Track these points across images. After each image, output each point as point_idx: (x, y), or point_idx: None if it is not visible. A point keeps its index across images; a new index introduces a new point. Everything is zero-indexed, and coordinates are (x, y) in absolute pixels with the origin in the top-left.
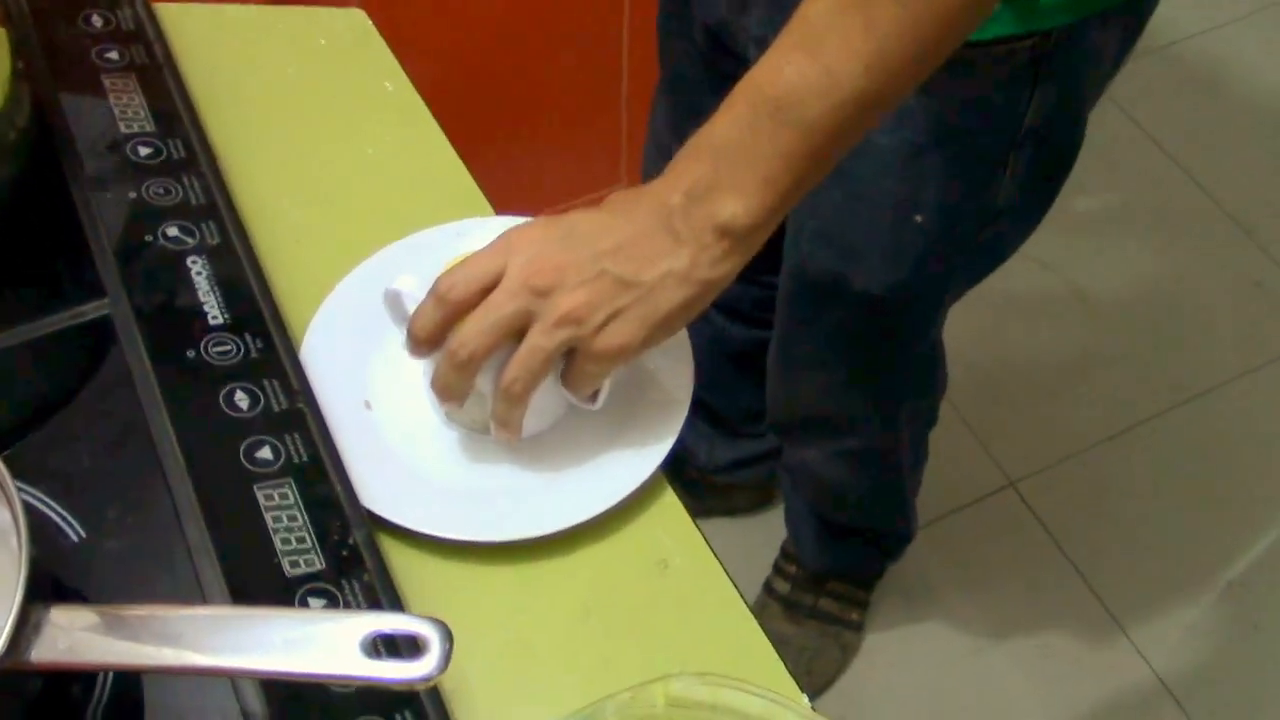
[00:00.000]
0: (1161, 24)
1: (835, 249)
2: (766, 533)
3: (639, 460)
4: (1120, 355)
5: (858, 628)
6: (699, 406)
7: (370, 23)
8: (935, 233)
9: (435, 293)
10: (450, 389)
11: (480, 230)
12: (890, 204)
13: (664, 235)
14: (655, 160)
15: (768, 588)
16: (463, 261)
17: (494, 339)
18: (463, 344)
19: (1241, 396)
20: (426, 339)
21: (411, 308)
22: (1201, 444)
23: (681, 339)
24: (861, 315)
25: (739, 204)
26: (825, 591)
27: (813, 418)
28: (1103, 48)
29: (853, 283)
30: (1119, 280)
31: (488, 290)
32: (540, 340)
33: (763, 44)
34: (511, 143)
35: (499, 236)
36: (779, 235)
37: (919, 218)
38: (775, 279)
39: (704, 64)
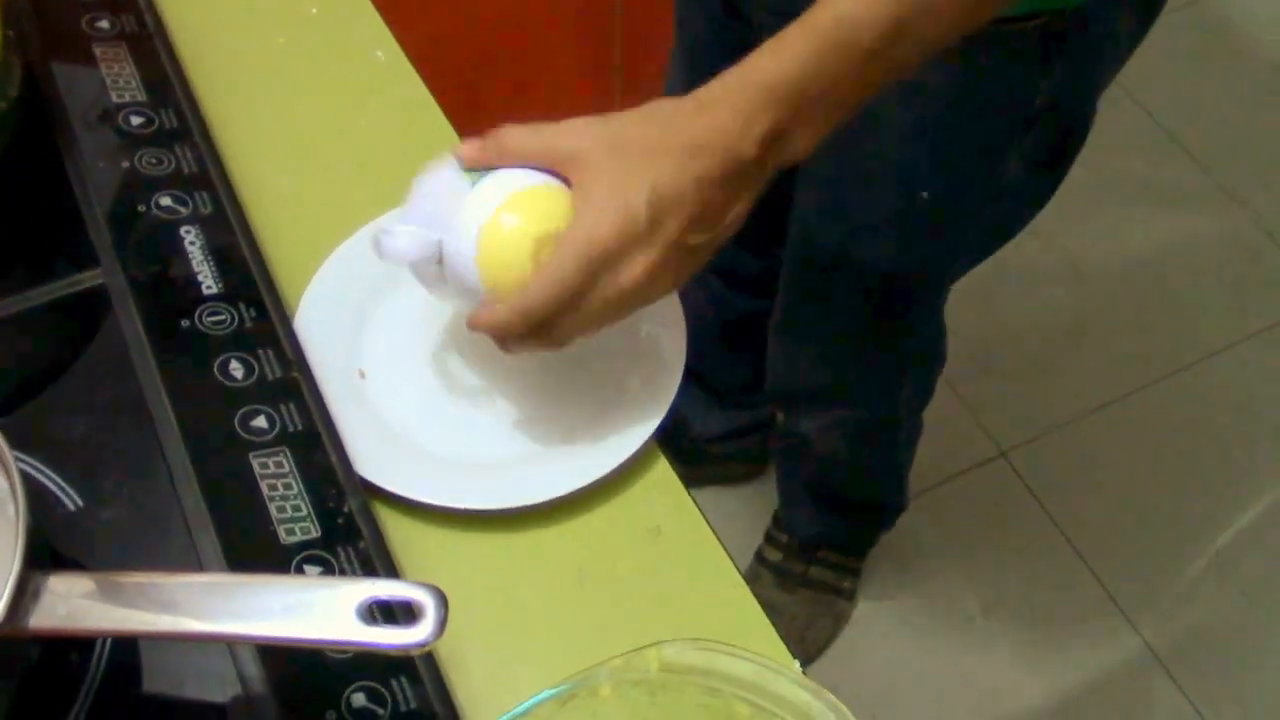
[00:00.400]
0: None
1: (842, 224)
2: (759, 502)
3: (633, 429)
4: (1111, 326)
5: (849, 596)
6: (692, 377)
7: None
8: (941, 210)
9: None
10: (518, 351)
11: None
12: (896, 179)
13: (736, 188)
14: None
15: (760, 556)
16: (553, 271)
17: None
18: (565, 336)
19: (1232, 367)
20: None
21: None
22: (1192, 414)
23: (675, 309)
24: (866, 290)
25: (808, 140)
26: (817, 560)
27: (813, 389)
28: (1118, 28)
29: (858, 258)
30: (1110, 251)
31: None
32: (605, 311)
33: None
34: (504, 110)
35: (581, 195)
36: (784, 208)
37: (925, 194)
38: (778, 250)
39: (721, 31)
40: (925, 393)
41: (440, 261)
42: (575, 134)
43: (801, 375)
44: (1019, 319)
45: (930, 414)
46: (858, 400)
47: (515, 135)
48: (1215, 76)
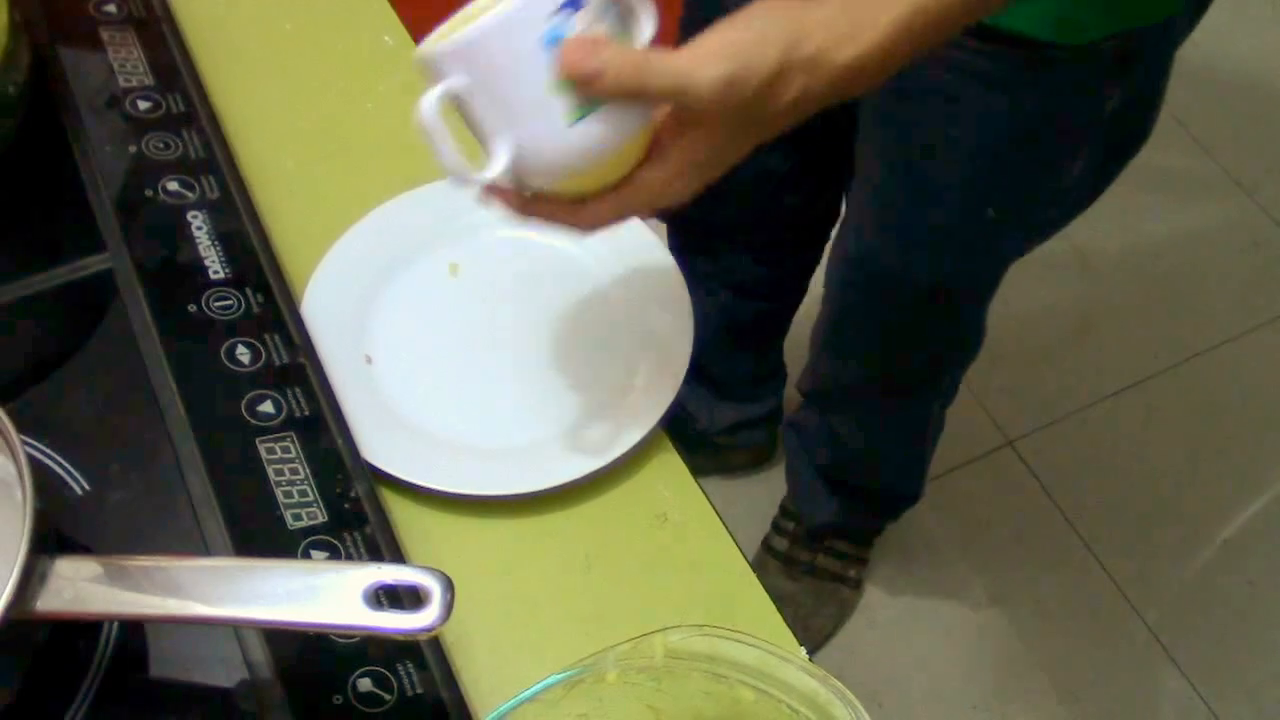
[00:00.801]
0: None
1: (901, 242)
2: (765, 491)
3: (640, 417)
4: (1119, 315)
5: (856, 584)
6: (700, 372)
7: None
8: (1007, 223)
9: None
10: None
11: None
12: (961, 199)
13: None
14: None
15: (766, 545)
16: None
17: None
18: (596, 223)
19: (1239, 356)
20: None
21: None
22: (1200, 403)
23: (683, 299)
24: (919, 300)
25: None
26: (824, 548)
27: (855, 390)
28: (1182, 29)
29: (915, 272)
30: (1118, 240)
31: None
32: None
33: None
34: None
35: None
36: (796, 219)
37: (991, 211)
38: (782, 257)
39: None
40: (955, 386)
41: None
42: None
43: (845, 379)
44: (1027, 308)
45: None
46: (899, 397)
47: None
48: (1226, 66)
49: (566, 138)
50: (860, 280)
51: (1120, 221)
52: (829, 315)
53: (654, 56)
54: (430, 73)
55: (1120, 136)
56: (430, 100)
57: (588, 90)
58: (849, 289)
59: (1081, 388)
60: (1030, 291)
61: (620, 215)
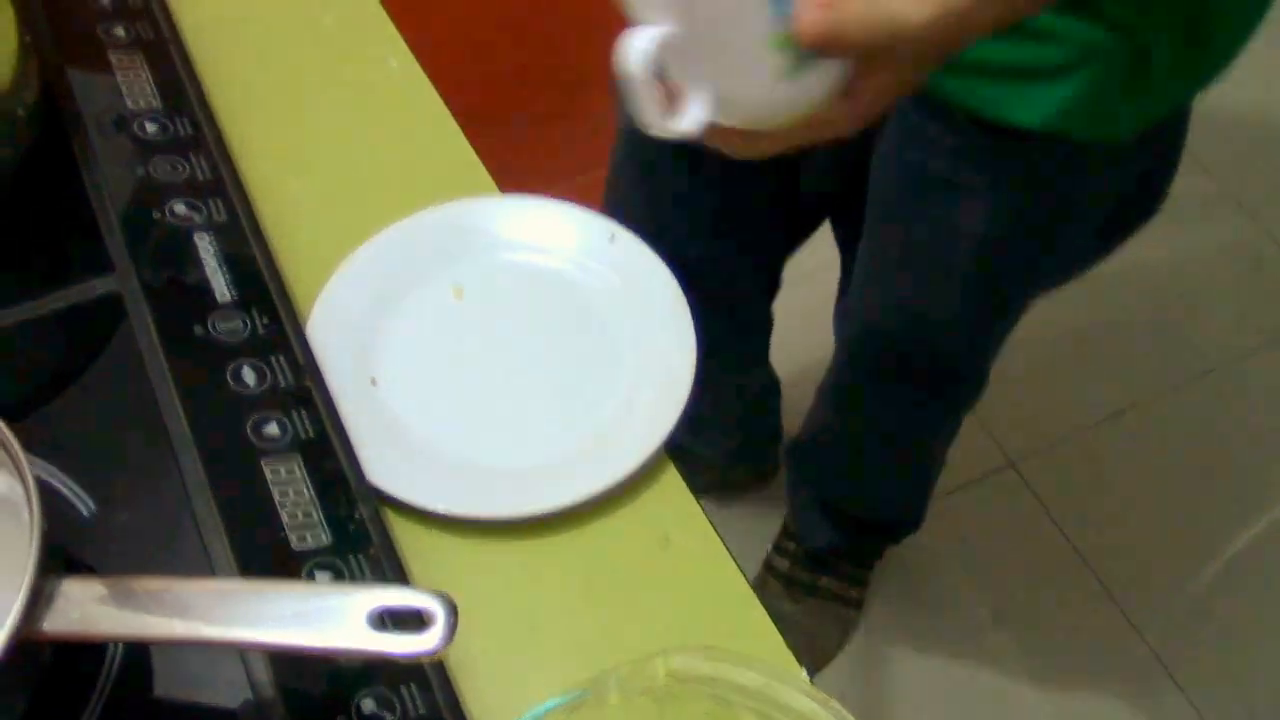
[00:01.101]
0: None
1: (916, 322)
2: (767, 509)
3: (643, 439)
4: (1120, 335)
5: (857, 605)
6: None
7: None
8: (1016, 299)
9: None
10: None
11: (484, 209)
12: (978, 284)
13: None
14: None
15: (768, 565)
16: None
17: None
18: (766, 152)
19: (1241, 376)
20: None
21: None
22: (1201, 423)
23: (685, 323)
24: (930, 365)
25: None
26: (826, 569)
27: (864, 435)
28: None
29: (929, 345)
30: (1119, 259)
31: None
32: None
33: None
34: (516, 120)
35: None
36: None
37: (1002, 291)
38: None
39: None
40: (958, 426)
41: None
42: None
43: (848, 430)
44: (1028, 329)
45: None
46: (908, 442)
47: None
48: (1228, 87)
49: (775, 92)
50: (869, 353)
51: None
52: (834, 376)
53: (875, 6)
54: (641, 14)
55: (1139, 201)
56: (640, 46)
57: (824, 50)
58: (857, 359)
59: (1084, 408)
60: (1032, 312)
61: (791, 147)
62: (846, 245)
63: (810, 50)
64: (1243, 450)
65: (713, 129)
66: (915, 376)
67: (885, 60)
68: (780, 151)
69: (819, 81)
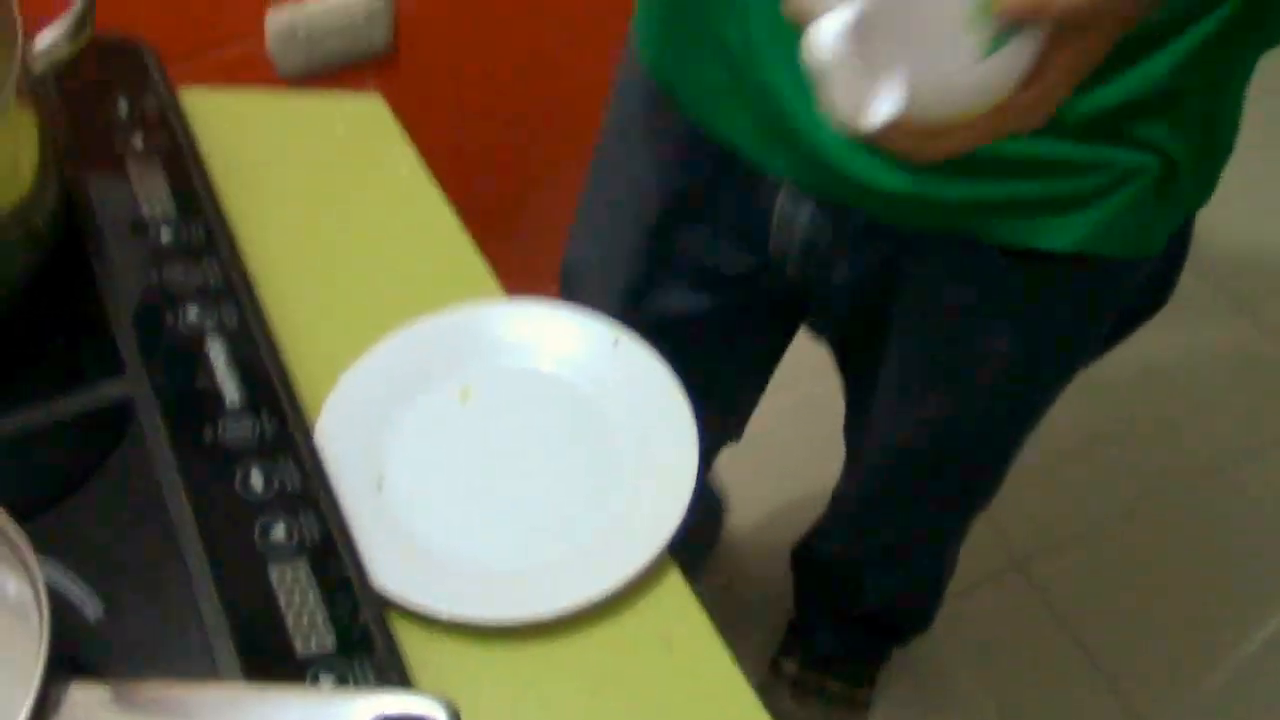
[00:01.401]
0: None
1: (942, 440)
2: (773, 607)
3: (646, 542)
4: (1124, 435)
5: (865, 706)
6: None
7: (387, 109)
8: (1049, 401)
9: None
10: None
11: (489, 314)
12: (1007, 405)
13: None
14: None
15: (774, 667)
16: None
17: None
18: (950, 152)
19: (1246, 476)
20: None
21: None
22: (1207, 524)
23: (687, 425)
24: (963, 478)
25: None
26: (833, 672)
27: (881, 549)
28: None
29: (959, 458)
30: (1119, 357)
31: None
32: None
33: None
34: (522, 227)
35: None
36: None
37: (1036, 398)
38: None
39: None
40: (970, 527)
41: None
42: None
43: (864, 545)
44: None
45: None
46: (918, 555)
47: None
48: (1222, 187)
49: (973, 73)
50: (894, 471)
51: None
52: (854, 492)
53: None
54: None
55: (1152, 295)
56: (832, 29)
57: (1027, 19)
58: (879, 473)
59: (1089, 508)
60: None
61: (978, 143)
62: (847, 360)
63: (1010, 21)
64: (1249, 550)
65: (897, 128)
66: (943, 489)
67: (1078, 32)
68: (959, 154)
69: (1013, 59)
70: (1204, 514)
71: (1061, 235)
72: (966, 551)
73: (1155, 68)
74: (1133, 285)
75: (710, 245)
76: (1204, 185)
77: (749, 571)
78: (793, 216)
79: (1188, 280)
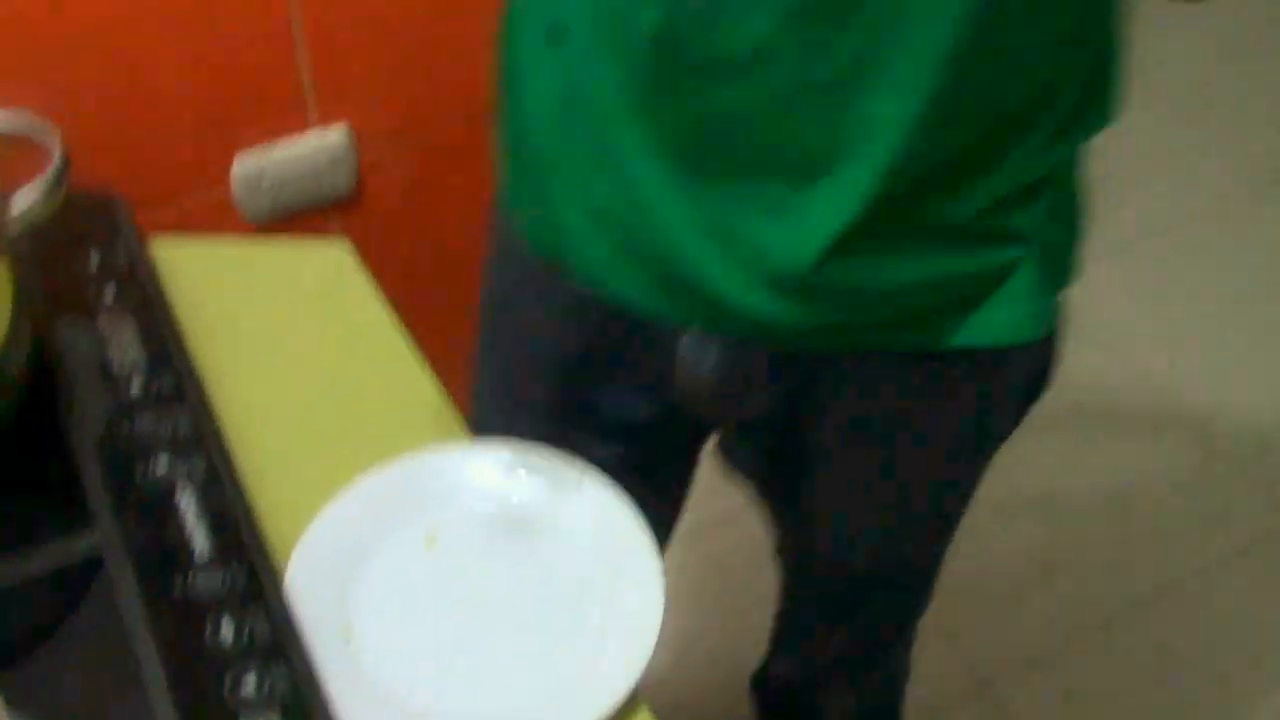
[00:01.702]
0: (1124, 224)
1: (880, 547)
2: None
3: (612, 684)
4: (1084, 555)
5: None
6: None
7: (353, 256)
8: (971, 493)
9: None
10: None
11: (452, 460)
12: (940, 495)
13: None
14: None
15: None
16: None
17: None
18: None
19: (1209, 588)
20: None
21: None
22: (1168, 641)
23: (652, 565)
24: (895, 582)
25: None
26: None
27: (833, 667)
28: None
29: (896, 565)
30: (1077, 481)
31: None
32: None
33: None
34: None
35: None
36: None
37: (968, 487)
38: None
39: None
40: (915, 634)
41: None
42: None
43: (814, 657)
44: (991, 553)
45: None
46: (870, 666)
47: None
48: (1175, 303)
49: None
50: (833, 588)
51: (1074, 461)
52: (797, 617)
53: None
54: None
55: (1046, 372)
56: None
57: None
58: (809, 588)
59: (1052, 630)
60: (993, 536)
61: None
62: (767, 488)
63: None
64: (1214, 662)
65: None
66: (885, 597)
67: None
68: None
69: None
70: (1164, 631)
71: (967, 333)
72: (926, 672)
73: (1029, 153)
74: (1033, 364)
75: (615, 400)
76: (1075, 263)
77: (711, 706)
78: (699, 360)
79: (1143, 397)
